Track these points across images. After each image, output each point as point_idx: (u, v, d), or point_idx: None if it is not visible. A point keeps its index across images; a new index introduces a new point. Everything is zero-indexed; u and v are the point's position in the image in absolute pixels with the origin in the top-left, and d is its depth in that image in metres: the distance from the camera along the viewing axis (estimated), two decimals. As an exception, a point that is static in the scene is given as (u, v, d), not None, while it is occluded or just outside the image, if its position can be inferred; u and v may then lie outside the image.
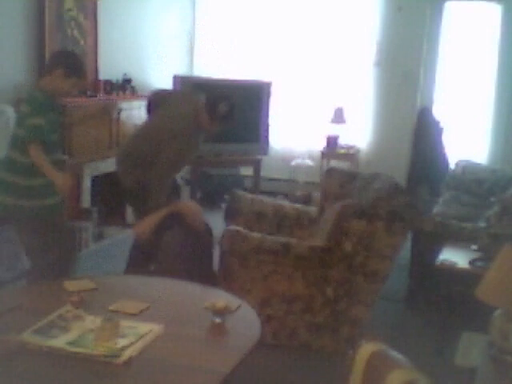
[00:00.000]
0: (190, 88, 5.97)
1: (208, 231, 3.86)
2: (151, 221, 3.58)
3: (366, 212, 3.45)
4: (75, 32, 5.42)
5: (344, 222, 3.45)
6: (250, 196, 4.33)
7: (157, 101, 4.05)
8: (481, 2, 6.90)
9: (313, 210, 4.42)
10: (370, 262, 3.48)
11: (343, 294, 3.54)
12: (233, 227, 3.65)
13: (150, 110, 4.11)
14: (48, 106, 3.32)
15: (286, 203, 4.53)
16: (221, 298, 2.69)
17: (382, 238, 3.44)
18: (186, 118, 3.67)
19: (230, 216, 4.20)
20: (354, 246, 3.45)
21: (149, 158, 3.59)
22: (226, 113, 3.66)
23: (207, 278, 3.55)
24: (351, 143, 7.29)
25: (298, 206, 4.58)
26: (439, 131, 6.96)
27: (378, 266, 3.50)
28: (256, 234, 3.62)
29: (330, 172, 4.42)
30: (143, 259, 3.92)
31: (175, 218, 3.61)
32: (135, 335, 2.37)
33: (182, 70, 7.41)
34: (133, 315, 2.57)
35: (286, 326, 3.59)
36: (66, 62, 3.34)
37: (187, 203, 4.07)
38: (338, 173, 4.41)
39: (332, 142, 7.14)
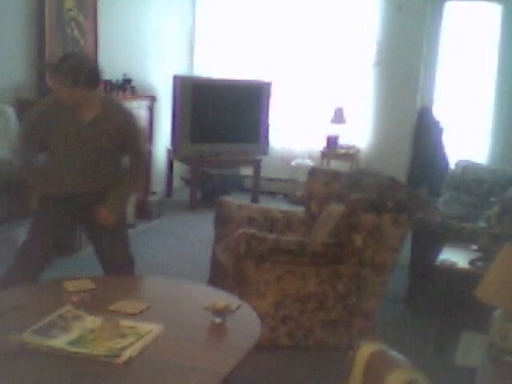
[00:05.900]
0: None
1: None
2: None
3: (376, 205, 3.50)
4: (75, 32, 5.42)
5: (354, 216, 3.49)
6: (236, 202, 4.32)
7: None
8: (481, 1, 6.91)
9: (299, 211, 4.42)
10: (379, 254, 3.53)
11: (354, 288, 3.58)
12: (247, 230, 3.57)
13: None
14: None
15: (271, 207, 4.54)
16: (221, 298, 2.69)
17: (390, 230, 3.50)
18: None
19: (219, 222, 4.18)
20: (365, 239, 3.50)
21: None
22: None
23: None
24: (351, 143, 7.29)
25: (283, 208, 4.63)
26: (439, 131, 6.98)
27: (386, 258, 3.55)
28: (270, 235, 3.62)
29: (313, 172, 4.43)
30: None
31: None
32: (135, 335, 2.37)
33: (182, 70, 7.41)
34: (133, 315, 2.57)
35: (301, 325, 3.60)
36: None
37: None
38: (321, 172, 4.42)
39: (332, 142, 7.14)
